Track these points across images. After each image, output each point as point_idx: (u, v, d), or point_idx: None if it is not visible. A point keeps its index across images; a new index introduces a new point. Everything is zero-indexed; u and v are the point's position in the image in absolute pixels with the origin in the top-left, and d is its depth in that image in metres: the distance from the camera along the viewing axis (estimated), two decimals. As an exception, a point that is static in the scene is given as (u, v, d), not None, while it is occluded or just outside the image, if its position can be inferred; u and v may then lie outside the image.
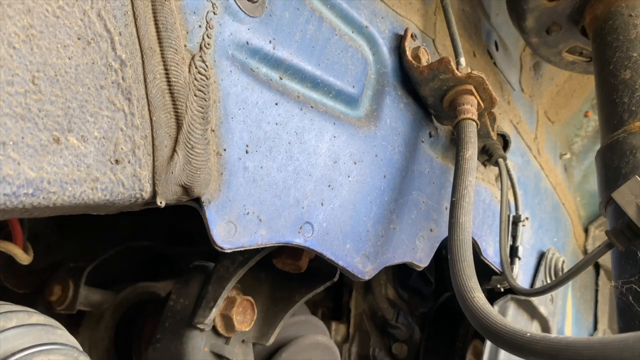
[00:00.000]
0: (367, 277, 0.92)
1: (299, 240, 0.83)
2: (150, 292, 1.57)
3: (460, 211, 0.88)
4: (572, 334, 1.74)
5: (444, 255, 1.94)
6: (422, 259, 1.04)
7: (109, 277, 1.60)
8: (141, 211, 1.95)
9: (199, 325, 0.92)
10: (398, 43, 1.06)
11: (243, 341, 1.01)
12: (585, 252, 1.87)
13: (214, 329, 0.96)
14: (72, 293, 1.42)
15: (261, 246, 0.78)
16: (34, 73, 0.57)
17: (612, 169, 0.92)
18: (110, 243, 1.65)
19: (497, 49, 1.42)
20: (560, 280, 0.87)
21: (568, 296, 1.73)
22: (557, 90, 1.65)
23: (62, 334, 0.77)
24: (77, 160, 0.61)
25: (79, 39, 0.61)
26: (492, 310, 0.73)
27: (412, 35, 1.08)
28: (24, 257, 1.20)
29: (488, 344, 1.41)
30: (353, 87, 0.95)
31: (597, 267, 1.94)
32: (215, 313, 0.91)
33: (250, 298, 0.97)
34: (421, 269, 1.04)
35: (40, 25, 0.57)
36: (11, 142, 0.55)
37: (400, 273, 1.67)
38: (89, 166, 0.62)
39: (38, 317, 0.78)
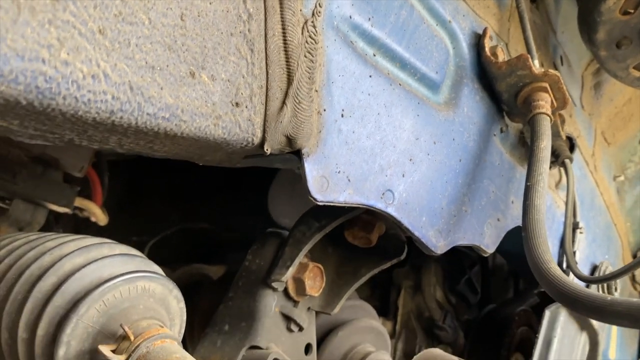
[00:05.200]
0: (439, 252, 0.96)
1: (380, 205, 0.87)
2: (203, 274, 1.63)
3: (535, 194, 0.91)
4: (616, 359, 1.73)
5: (490, 267, 1.96)
6: (489, 245, 1.07)
7: (164, 255, 1.67)
8: (197, 197, 2.00)
9: (273, 284, 0.96)
10: (476, 41, 1.12)
11: (309, 309, 1.05)
12: (633, 277, 1.86)
13: (285, 291, 1.00)
14: (133, 264, 1.49)
15: (348, 204, 0.83)
16: (183, 10, 0.64)
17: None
18: (168, 223, 1.72)
19: (562, 63, 1.47)
20: (625, 270, 0.90)
21: (614, 320, 1.71)
22: (616, 112, 1.67)
23: (158, 269, 0.82)
24: (206, 96, 0.68)
25: (219, -13, 0.68)
26: (568, 279, 0.76)
27: (489, 36, 1.13)
28: (102, 218, 1.27)
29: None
30: (436, 73, 1.00)
31: (644, 295, 1.92)
32: (290, 273, 0.95)
33: (320, 265, 1.02)
34: (487, 255, 1.08)
35: (191, -31, 0.64)
36: (159, 68, 0.62)
37: (449, 278, 1.69)
38: (214, 104, 0.69)
39: (136, 252, 0.84)
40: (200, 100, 0.67)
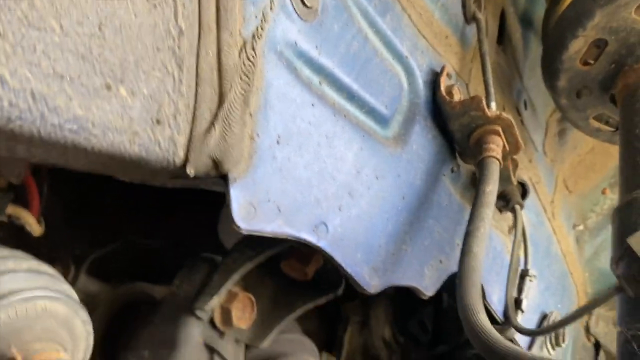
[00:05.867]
0: (372, 291, 0.92)
1: (312, 238, 0.84)
2: (147, 294, 1.56)
3: (474, 240, 0.88)
4: (566, 410, 1.69)
5: (445, 306, 1.92)
6: (428, 287, 1.04)
7: (107, 271, 1.60)
8: (152, 213, 1.95)
9: (197, 312, 0.91)
10: (433, 78, 1.10)
11: (237, 341, 1.00)
12: (587, 329, 1.84)
13: (212, 321, 0.95)
14: (71, 278, 1.43)
15: (276, 235, 0.80)
16: (101, 19, 0.61)
17: (628, 225, 0.92)
18: (116, 238, 1.65)
19: (525, 107, 1.46)
20: (565, 320, 0.87)
21: (566, 371, 1.68)
22: (579, 161, 1.67)
23: (67, 288, 0.78)
24: (122, 111, 0.64)
25: (147, 0, 0.65)
26: (495, 332, 0.73)
27: (447, 74, 1.12)
28: (36, 228, 1.21)
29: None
30: (386, 107, 0.98)
31: (597, 346, 1.90)
32: (216, 302, 0.91)
33: (251, 296, 0.98)
34: (426, 297, 1.04)
35: (116, -22, 0.61)
36: (68, 78, 0.58)
37: (400, 316, 1.65)
38: (131, 119, 0.65)
39: (46, 268, 0.79)
40: (115, 114, 0.63)
